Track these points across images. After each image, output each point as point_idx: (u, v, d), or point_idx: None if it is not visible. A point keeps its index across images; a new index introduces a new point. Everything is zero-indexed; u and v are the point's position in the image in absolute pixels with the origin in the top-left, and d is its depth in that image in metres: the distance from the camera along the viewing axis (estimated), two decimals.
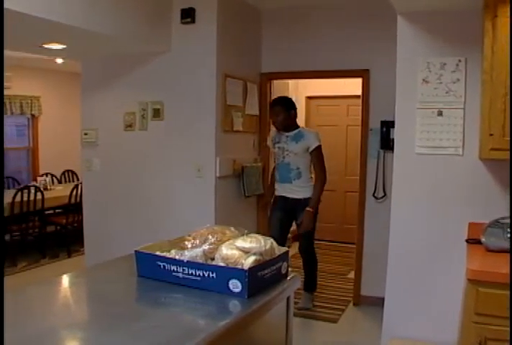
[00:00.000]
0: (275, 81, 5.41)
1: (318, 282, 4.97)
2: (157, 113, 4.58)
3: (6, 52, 6.05)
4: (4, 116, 8.27)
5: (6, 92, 8.14)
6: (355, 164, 5.57)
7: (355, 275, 5.08)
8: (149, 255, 1.96)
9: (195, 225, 4.14)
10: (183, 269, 1.86)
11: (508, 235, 2.79)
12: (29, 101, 8.53)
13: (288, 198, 4.60)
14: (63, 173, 8.92)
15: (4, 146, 8.58)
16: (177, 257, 1.89)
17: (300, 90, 7.40)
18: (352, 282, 5.18)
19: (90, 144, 4.94)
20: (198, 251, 1.89)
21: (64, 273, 2.16)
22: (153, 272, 1.95)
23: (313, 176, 4.63)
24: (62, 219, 6.81)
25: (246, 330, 1.76)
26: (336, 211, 7.54)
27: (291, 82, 6.80)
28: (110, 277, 2.19)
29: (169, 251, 2.01)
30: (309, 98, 7.60)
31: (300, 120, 7.46)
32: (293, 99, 6.84)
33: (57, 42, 4.11)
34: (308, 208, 4.46)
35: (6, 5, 2.96)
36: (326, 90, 7.21)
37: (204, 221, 4.22)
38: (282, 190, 4.64)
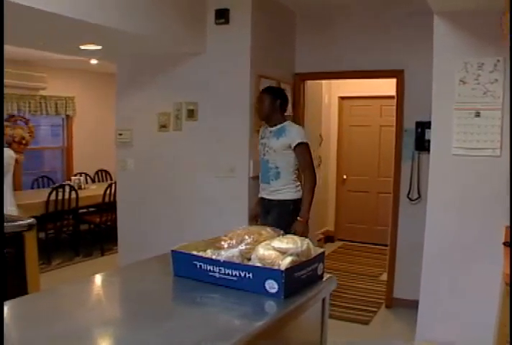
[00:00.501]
0: (308, 81, 5.40)
1: (350, 284, 4.94)
2: (191, 114, 4.60)
3: (43, 54, 6.17)
4: (40, 116, 8.42)
5: (41, 92, 8.28)
6: (388, 165, 5.52)
7: (388, 277, 5.04)
8: (186, 255, 1.97)
9: (228, 225, 4.15)
10: (220, 269, 1.86)
11: None
12: (64, 102, 8.64)
13: (266, 199, 4.19)
14: (96, 173, 9.03)
15: (40, 145, 8.73)
16: (213, 257, 1.89)
17: (333, 91, 7.37)
18: (384, 284, 5.14)
19: (124, 144, 4.99)
20: (235, 251, 1.89)
21: (97, 271, 2.18)
22: (189, 271, 1.96)
23: (297, 178, 4.20)
24: (96, 218, 6.90)
25: (281, 331, 1.76)
26: (368, 213, 7.49)
27: (324, 82, 6.77)
28: (146, 276, 2.20)
29: (205, 250, 2.02)
30: (342, 98, 7.56)
31: (333, 120, 7.48)
32: (326, 99, 6.89)
33: (93, 43, 4.17)
34: (299, 218, 4.02)
35: (46, 8, 3.03)
36: (358, 91, 7.17)
37: (237, 222, 4.28)
38: (262, 190, 4.24)
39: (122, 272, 2.32)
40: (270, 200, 4.13)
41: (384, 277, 5.52)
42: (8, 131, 7.57)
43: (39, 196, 6.46)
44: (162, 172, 4.83)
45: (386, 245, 5.52)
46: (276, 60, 4.86)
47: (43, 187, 7.91)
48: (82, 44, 4.17)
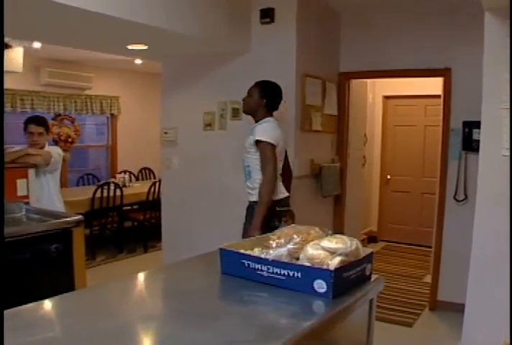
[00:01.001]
0: (353, 80, 5.36)
1: (393, 285, 4.88)
2: (236, 113, 4.61)
3: (89, 54, 6.28)
4: (85, 115, 8.57)
5: (87, 92, 8.43)
6: (433, 165, 5.45)
7: (432, 279, 4.97)
8: (234, 253, 1.97)
9: None
10: (268, 268, 1.86)
11: None
12: (109, 101, 8.79)
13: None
14: (140, 171, 9.15)
15: (85, 144, 8.89)
16: (262, 256, 1.89)
17: (377, 90, 7.31)
18: (428, 286, 5.07)
19: (169, 142, 5.03)
20: (283, 250, 1.89)
21: (140, 268, 2.20)
22: (237, 269, 1.96)
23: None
24: (140, 215, 6.98)
25: (329, 332, 1.75)
26: (411, 213, 7.40)
27: (369, 81, 6.71)
28: (193, 273, 2.22)
29: (252, 249, 2.02)
30: (386, 97, 7.49)
31: (377, 120, 7.41)
32: (370, 98, 6.83)
33: (140, 43, 4.21)
34: (251, 229, 3.65)
35: (93, 8, 3.08)
36: (403, 90, 7.08)
37: None
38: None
39: (170, 269, 2.34)
40: (248, 201, 3.93)
41: (427, 278, 5.45)
42: (54, 129, 7.74)
43: (85, 193, 6.58)
44: (206, 171, 4.85)
45: (429, 246, 5.45)
46: (321, 59, 4.84)
47: (88, 184, 8.06)
48: (129, 44, 4.22)
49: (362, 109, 6.55)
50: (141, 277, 2.17)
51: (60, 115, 8.16)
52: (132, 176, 8.74)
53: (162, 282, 2.17)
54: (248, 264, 1.91)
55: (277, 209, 3.76)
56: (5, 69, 6.70)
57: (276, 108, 3.94)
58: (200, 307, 1.77)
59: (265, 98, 3.83)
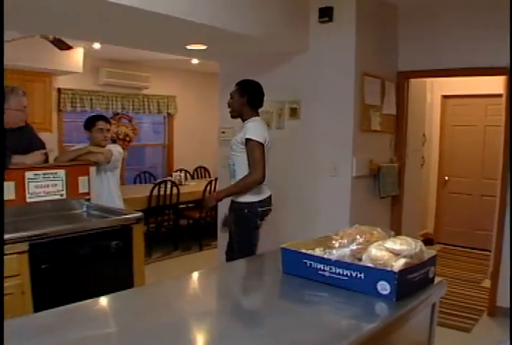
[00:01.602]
0: (411, 80, 5.27)
1: (450, 289, 4.78)
2: (293, 112, 4.60)
3: (147, 54, 6.37)
4: (142, 114, 8.72)
5: (144, 92, 8.57)
6: (493, 167, 5.30)
7: (491, 284, 4.83)
8: (296, 252, 1.97)
9: (328, 225, 4.13)
10: (330, 268, 1.85)
11: None
12: (166, 100, 8.91)
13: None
14: (196, 169, 9.23)
15: (142, 142, 9.03)
16: (325, 256, 1.88)
17: (435, 89, 7.16)
18: (486, 291, 4.95)
19: (227, 142, 5.04)
20: (346, 250, 1.88)
21: (195, 265, 2.24)
22: (299, 269, 1.96)
23: None
24: (196, 213, 7.05)
25: (391, 335, 1.72)
26: (469, 216, 7.21)
27: (428, 80, 6.59)
28: (253, 272, 2.23)
29: (313, 249, 2.01)
30: (445, 97, 7.33)
31: (435, 120, 7.27)
32: (428, 98, 6.71)
33: (199, 43, 4.25)
34: (211, 197, 3.98)
35: (155, 9, 3.12)
36: (462, 89, 6.92)
37: (338, 221, 4.25)
38: None
39: (230, 267, 2.35)
40: (231, 202, 3.95)
41: (485, 283, 5.32)
42: (113, 128, 7.89)
43: (142, 191, 6.69)
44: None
45: (487, 250, 5.31)
46: (380, 58, 4.77)
47: (145, 182, 8.19)
48: (189, 45, 4.26)
49: (421, 109, 6.43)
50: (200, 274, 2.18)
51: (118, 114, 8.32)
52: (188, 174, 8.83)
53: (221, 280, 2.18)
54: (310, 263, 1.91)
55: (259, 209, 3.84)
56: (66, 69, 6.90)
57: (260, 105, 3.98)
58: (260, 306, 1.79)
59: (246, 95, 3.87)
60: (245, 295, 1.91)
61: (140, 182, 8.25)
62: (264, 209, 3.88)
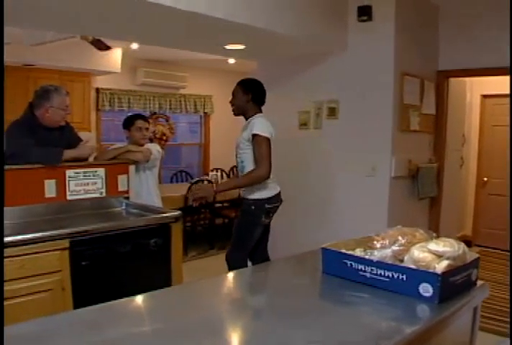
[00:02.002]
0: (451, 79, 5.19)
1: (492, 293, 4.68)
2: (332, 112, 4.58)
3: (185, 54, 6.42)
4: (178, 114, 8.78)
5: (181, 91, 8.63)
6: None
7: None
8: (337, 253, 1.95)
9: (366, 225, 4.10)
10: (371, 269, 1.83)
11: None
12: (202, 100, 8.95)
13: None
14: (231, 169, 9.25)
15: (178, 142, 9.10)
16: (366, 257, 1.86)
17: (474, 89, 7.04)
18: None
19: None
20: (388, 251, 1.85)
21: None
22: (339, 269, 1.94)
23: None
24: (231, 212, 7.06)
25: (433, 338, 1.69)
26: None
27: (467, 80, 6.48)
28: (294, 272, 2.22)
29: (353, 249, 2.00)
30: (484, 96, 7.20)
31: (474, 120, 7.15)
32: (467, 98, 6.59)
33: (238, 43, 4.26)
34: (211, 188, 3.87)
35: (192, 8, 3.14)
36: (502, 89, 6.76)
37: (375, 222, 4.21)
38: None
39: (269, 266, 2.35)
40: (242, 199, 3.97)
41: None
42: (150, 127, 7.97)
43: (179, 190, 6.73)
44: (300, 170, 4.85)
45: None
46: (419, 57, 4.72)
47: (181, 181, 8.25)
48: (228, 44, 4.28)
49: (461, 109, 6.34)
50: (238, 273, 2.19)
51: (155, 113, 8.40)
52: (224, 174, 8.86)
53: (260, 279, 2.18)
54: (351, 264, 1.89)
55: (267, 206, 3.85)
56: (105, 69, 7.00)
57: (263, 103, 4.00)
58: (299, 305, 1.77)
59: (249, 93, 3.89)
60: (284, 294, 1.90)
61: (177, 181, 8.31)
62: (271, 206, 3.90)
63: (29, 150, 3.35)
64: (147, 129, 4.47)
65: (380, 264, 1.81)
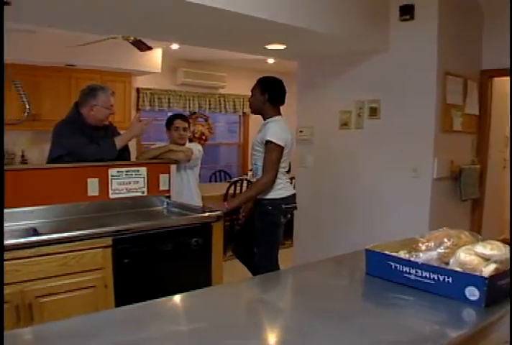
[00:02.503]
0: (495, 79, 5.09)
1: None
2: (373, 112, 4.53)
3: (224, 54, 6.44)
4: (217, 113, 8.82)
5: (220, 91, 8.67)
6: None
7: None
8: (381, 254, 1.94)
9: (407, 226, 4.06)
10: (416, 271, 1.81)
11: None
12: (241, 100, 8.96)
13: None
14: None
15: (217, 141, 9.14)
16: (412, 259, 1.84)
17: None
18: None
19: (305, 141, 5.05)
20: (433, 254, 1.83)
21: None
22: (383, 271, 1.93)
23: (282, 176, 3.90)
24: None
25: (479, 343, 1.67)
26: None
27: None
28: (336, 273, 2.22)
29: (397, 251, 1.98)
30: None
31: None
32: None
33: (279, 43, 4.25)
34: (225, 203, 3.85)
35: (236, 9, 3.15)
36: None
37: (417, 223, 4.16)
38: None
39: (312, 267, 2.34)
40: (255, 200, 3.90)
41: None
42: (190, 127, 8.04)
43: (218, 189, 6.76)
44: (340, 170, 4.81)
45: None
46: (462, 56, 4.63)
47: (220, 181, 8.28)
48: (268, 44, 4.28)
49: (504, 109, 6.21)
50: (281, 273, 2.19)
51: (194, 113, 8.46)
52: None
53: (302, 279, 2.17)
54: (395, 266, 1.87)
55: (283, 207, 3.81)
56: (145, 69, 7.08)
57: (282, 102, 3.93)
58: (342, 306, 1.77)
59: (266, 92, 3.82)
60: (326, 295, 1.89)
61: (215, 181, 8.35)
62: (289, 206, 3.88)
63: (83, 148, 3.44)
64: (185, 128, 4.50)
65: (425, 267, 1.79)
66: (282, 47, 4.36)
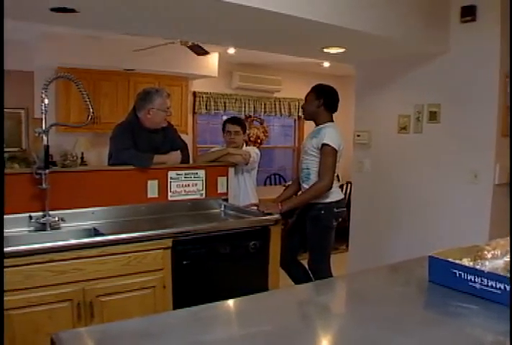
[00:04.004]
0: None
1: None
2: (433, 116, 4.45)
3: (278, 58, 6.45)
4: (272, 117, 8.83)
5: (276, 95, 8.69)
6: None
7: None
8: (445, 262, 1.90)
9: (466, 234, 3.98)
10: (482, 280, 1.77)
11: None
12: (297, 103, 8.97)
13: None
14: None
15: (272, 144, 9.15)
16: (477, 267, 1.80)
17: None
18: None
19: (362, 145, 5.00)
20: (500, 262, 1.79)
21: None
22: (446, 279, 1.89)
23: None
24: None
25: None
26: None
27: None
28: (397, 279, 2.19)
29: (460, 259, 1.94)
30: None
31: None
32: None
33: (337, 46, 4.23)
34: (280, 204, 3.81)
35: (289, 12, 3.14)
36: None
37: (476, 231, 4.07)
38: None
39: (370, 274, 2.32)
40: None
41: None
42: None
43: (273, 192, 6.75)
44: (398, 175, 4.74)
45: None
46: None
47: (274, 184, 8.30)
48: (326, 48, 4.26)
49: None
50: (339, 279, 2.18)
51: (250, 116, 8.50)
52: None
53: (362, 286, 2.15)
54: (460, 274, 1.84)
55: (335, 210, 3.89)
56: (202, 73, 7.17)
57: (335, 109, 4.03)
58: (404, 314, 1.74)
59: (321, 98, 3.92)
60: (388, 302, 1.87)
61: (270, 184, 8.37)
62: (339, 210, 3.94)
63: (121, 151, 3.51)
64: (237, 132, 4.51)
65: (491, 275, 1.75)
66: (341, 50, 4.33)
